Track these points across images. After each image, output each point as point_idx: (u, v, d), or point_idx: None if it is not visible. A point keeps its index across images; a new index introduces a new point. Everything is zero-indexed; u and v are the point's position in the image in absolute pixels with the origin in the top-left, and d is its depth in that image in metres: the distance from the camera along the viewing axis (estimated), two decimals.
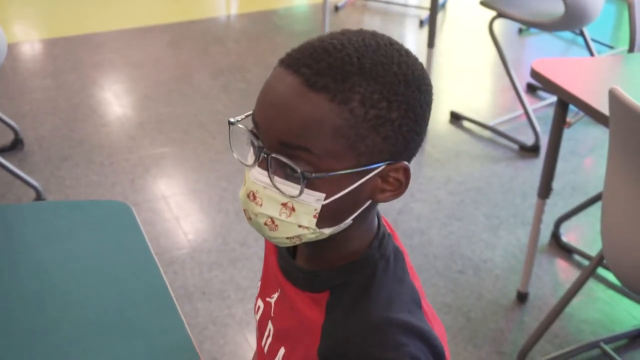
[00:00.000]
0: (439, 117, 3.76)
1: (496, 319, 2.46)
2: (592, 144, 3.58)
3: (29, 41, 4.65)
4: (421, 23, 5.08)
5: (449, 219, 2.97)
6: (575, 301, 2.39)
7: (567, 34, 4.77)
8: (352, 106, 0.83)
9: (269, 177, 0.86)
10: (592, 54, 3.76)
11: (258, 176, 0.87)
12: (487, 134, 3.64)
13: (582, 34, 3.74)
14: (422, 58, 4.47)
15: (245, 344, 2.35)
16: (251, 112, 0.90)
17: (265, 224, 0.89)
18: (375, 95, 0.84)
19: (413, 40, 5.01)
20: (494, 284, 2.62)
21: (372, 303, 0.90)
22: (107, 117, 3.69)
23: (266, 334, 1.05)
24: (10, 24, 4.81)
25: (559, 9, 3.15)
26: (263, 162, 0.86)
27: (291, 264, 1.00)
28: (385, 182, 0.91)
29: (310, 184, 0.85)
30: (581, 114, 2.99)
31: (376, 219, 0.98)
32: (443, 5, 5.32)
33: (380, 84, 0.84)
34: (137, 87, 4.00)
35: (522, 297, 2.54)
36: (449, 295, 2.56)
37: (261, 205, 0.88)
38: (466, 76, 4.33)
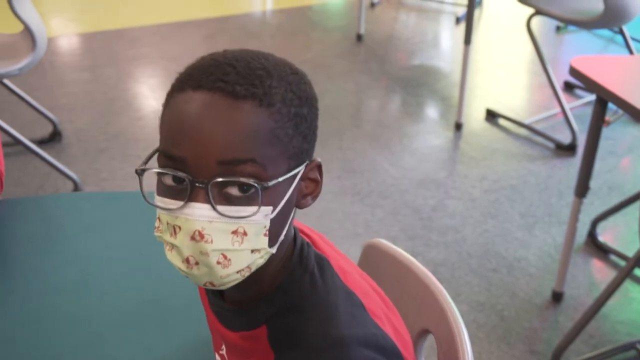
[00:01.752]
0: (474, 115, 3.73)
1: (530, 318, 2.44)
2: (630, 144, 3.53)
3: (67, 35, 4.70)
4: (457, 20, 5.05)
5: (484, 217, 2.95)
6: (611, 302, 2.36)
7: (606, 32, 4.71)
8: (278, 107, 0.82)
9: (212, 207, 0.80)
10: (631, 53, 3.71)
11: (198, 212, 0.80)
12: (523, 132, 3.61)
13: (621, 32, 3.69)
14: (458, 55, 4.50)
15: None
16: (153, 152, 0.85)
17: (218, 262, 0.82)
18: (289, 94, 0.83)
19: (449, 37, 4.98)
20: (528, 283, 2.60)
21: (310, 326, 0.87)
22: (143, 110, 3.72)
23: None
24: (48, 18, 4.87)
25: (598, 6, 3.11)
26: (200, 195, 0.79)
27: (222, 307, 0.96)
28: (305, 185, 0.89)
29: (259, 199, 0.81)
30: (620, 112, 2.96)
31: (292, 231, 0.93)
32: (480, 2, 5.28)
33: (287, 82, 0.84)
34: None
35: (557, 297, 2.51)
36: (482, 293, 2.54)
37: (211, 242, 0.80)
38: (502, 74, 4.30)
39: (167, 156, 0.82)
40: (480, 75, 4.23)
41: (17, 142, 2.94)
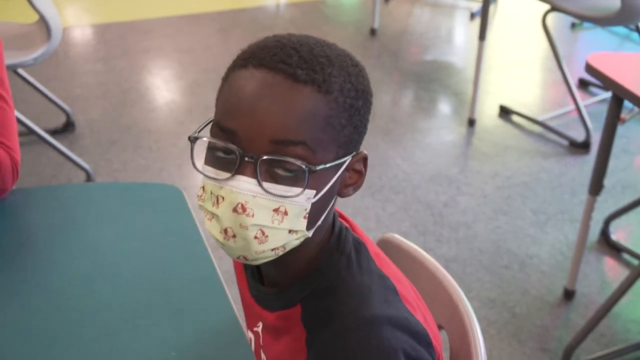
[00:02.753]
0: (487, 111, 3.72)
1: (541, 316, 2.43)
2: None
3: (81, 26, 4.71)
4: (472, 15, 5.03)
5: (496, 214, 2.94)
6: (623, 300, 2.35)
7: (622, 29, 4.68)
8: (335, 95, 0.84)
9: (258, 183, 0.81)
10: None
11: (244, 185, 0.82)
12: (536, 129, 3.59)
13: (637, 29, 3.66)
14: (471, 50, 4.47)
15: None
16: (206, 123, 0.87)
17: (255, 237, 0.83)
18: (347, 85, 0.85)
19: (463, 33, 4.96)
20: (540, 280, 2.59)
21: (343, 305, 0.89)
22: (156, 102, 3.72)
23: None
24: (63, 8, 4.88)
25: (614, 3, 3.09)
26: (248, 169, 0.82)
27: (261, 291, 0.99)
28: (349, 175, 0.91)
29: (305, 182, 0.82)
30: (636, 110, 2.93)
31: (332, 216, 0.95)
32: None
33: (347, 73, 0.86)
34: (186, 73, 4.03)
35: (568, 295, 2.50)
36: (494, 290, 2.53)
37: (253, 215, 0.82)
38: (516, 70, 4.28)
39: (220, 128, 0.84)
40: (494, 71, 4.21)
41: (31, 131, 2.95)
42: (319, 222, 0.89)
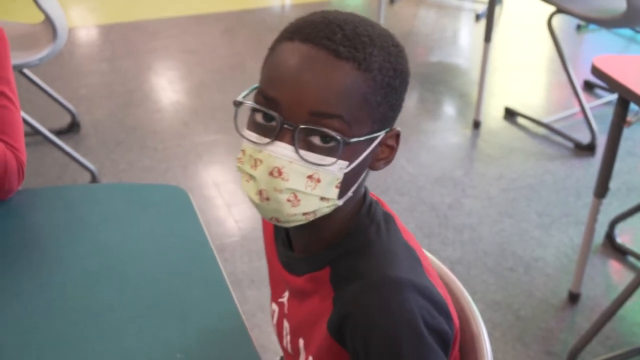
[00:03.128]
0: (492, 113, 3.71)
1: (546, 318, 2.43)
2: None
3: (86, 26, 4.72)
4: (477, 17, 5.03)
5: (501, 216, 2.93)
6: (629, 303, 2.34)
7: (627, 31, 4.67)
8: (374, 73, 0.88)
9: (295, 150, 0.86)
10: None
11: (282, 151, 0.87)
12: (541, 131, 3.58)
13: None
14: (477, 52, 4.44)
15: None
16: (251, 89, 0.92)
17: (288, 199, 0.88)
18: (386, 64, 0.89)
19: (468, 34, 4.96)
20: (544, 282, 2.58)
21: (370, 265, 0.92)
22: (161, 102, 3.73)
23: (284, 332, 1.07)
24: (68, 8, 4.89)
25: (620, 5, 3.08)
26: (286, 136, 0.87)
27: (291, 257, 1.03)
28: (381, 150, 0.95)
29: (338, 152, 0.87)
30: None
31: (363, 189, 1.00)
32: (500, 0, 5.25)
33: (387, 53, 0.90)
34: (192, 74, 4.03)
35: (573, 298, 2.50)
36: (498, 292, 2.53)
37: (288, 180, 0.87)
38: (521, 72, 4.27)
39: (263, 96, 0.88)
40: (499, 73, 4.20)
41: (36, 132, 2.95)
42: (350, 193, 0.94)
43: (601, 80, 2.19)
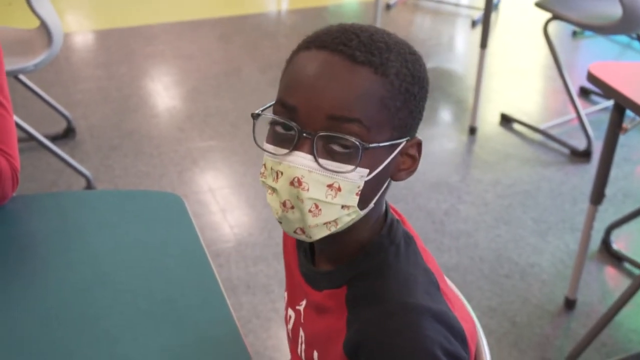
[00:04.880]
0: (488, 119, 3.71)
1: (542, 325, 2.43)
2: None
3: (82, 32, 4.72)
4: (473, 23, 5.03)
5: (496, 222, 2.93)
6: (625, 310, 2.33)
7: (623, 38, 4.68)
8: (391, 78, 0.88)
9: (314, 159, 0.86)
10: None
11: (301, 160, 0.87)
12: (537, 137, 3.59)
13: (638, 38, 3.66)
14: (474, 58, 4.44)
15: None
16: (270, 105, 0.92)
17: (310, 210, 0.88)
18: (404, 70, 0.90)
19: (464, 40, 4.96)
20: (540, 289, 2.58)
21: (388, 290, 0.92)
22: (157, 108, 3.72)
23: (299, 340, 1.07)
24: (64, 14, 4.88)
25: (616, 11, 3.09)
26: (305, 145, 0.87)
27: (312, 270, 1.02)
28: (403, 160, 0.94)
29: (358, 158, 0.87)
30: (638, 119, 2.93)
31: (384, 205, 1.00)
32: (496, 6, 5.26)
33: (405, 59, 0.90)
34: (187, 79, 4.03)
35: (569, 304, 2.49)
36: (494, 299, 2.52)
37: (308, 190, 0.87)
38: (517, 78, 4.28)
39: (281, 104, 0.89)
40: (495, 79, 4.21)
41: (31, 137, 2.95)
42: (372, 204, 0.93)
43: (597, 87, 2.19)
